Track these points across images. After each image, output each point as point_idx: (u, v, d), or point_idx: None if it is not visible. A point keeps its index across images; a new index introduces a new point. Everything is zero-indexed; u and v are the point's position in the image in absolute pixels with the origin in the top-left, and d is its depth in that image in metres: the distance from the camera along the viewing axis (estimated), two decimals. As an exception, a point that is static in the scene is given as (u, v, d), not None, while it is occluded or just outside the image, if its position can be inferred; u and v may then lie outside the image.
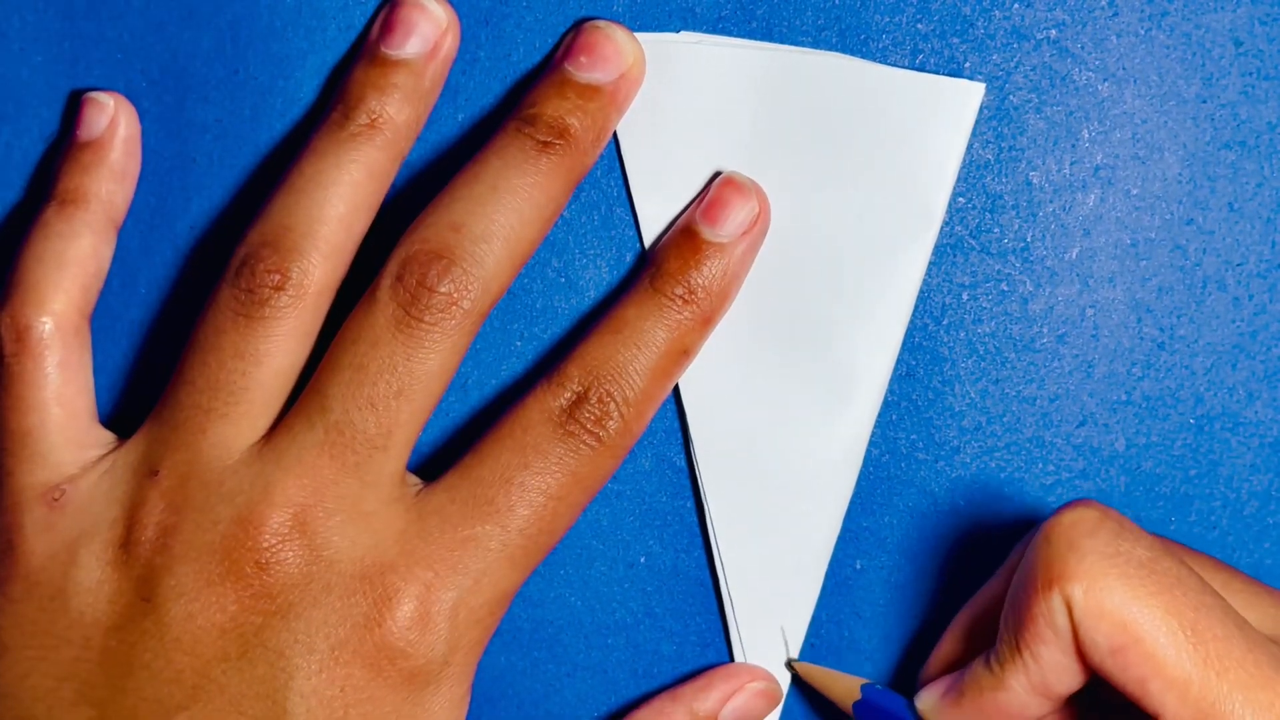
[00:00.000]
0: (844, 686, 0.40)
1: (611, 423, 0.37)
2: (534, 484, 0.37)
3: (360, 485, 0.37)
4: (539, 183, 0.38)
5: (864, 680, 0.39)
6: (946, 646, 0.38)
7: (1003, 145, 0.40)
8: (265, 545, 0.36)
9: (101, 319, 0.42)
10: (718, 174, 0.40)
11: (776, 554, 0.41)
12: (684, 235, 0.39)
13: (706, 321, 0.39)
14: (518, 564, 0.37)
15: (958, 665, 0.38)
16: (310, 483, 0.37)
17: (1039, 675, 0.34)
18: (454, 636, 0.37)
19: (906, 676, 0.41)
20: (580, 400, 0.37)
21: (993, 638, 0.35)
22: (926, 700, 0.37)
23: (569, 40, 0.40)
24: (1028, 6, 0.39)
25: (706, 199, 0.39)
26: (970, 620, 0.38)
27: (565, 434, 0.37)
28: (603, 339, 0.38)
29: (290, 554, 0.36)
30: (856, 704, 0.39)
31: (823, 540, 0.41)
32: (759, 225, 0.39)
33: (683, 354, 0.38)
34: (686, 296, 0.38)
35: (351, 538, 0.37)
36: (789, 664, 0.41)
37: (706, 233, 0.39)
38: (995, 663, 0.34)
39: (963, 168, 0.40)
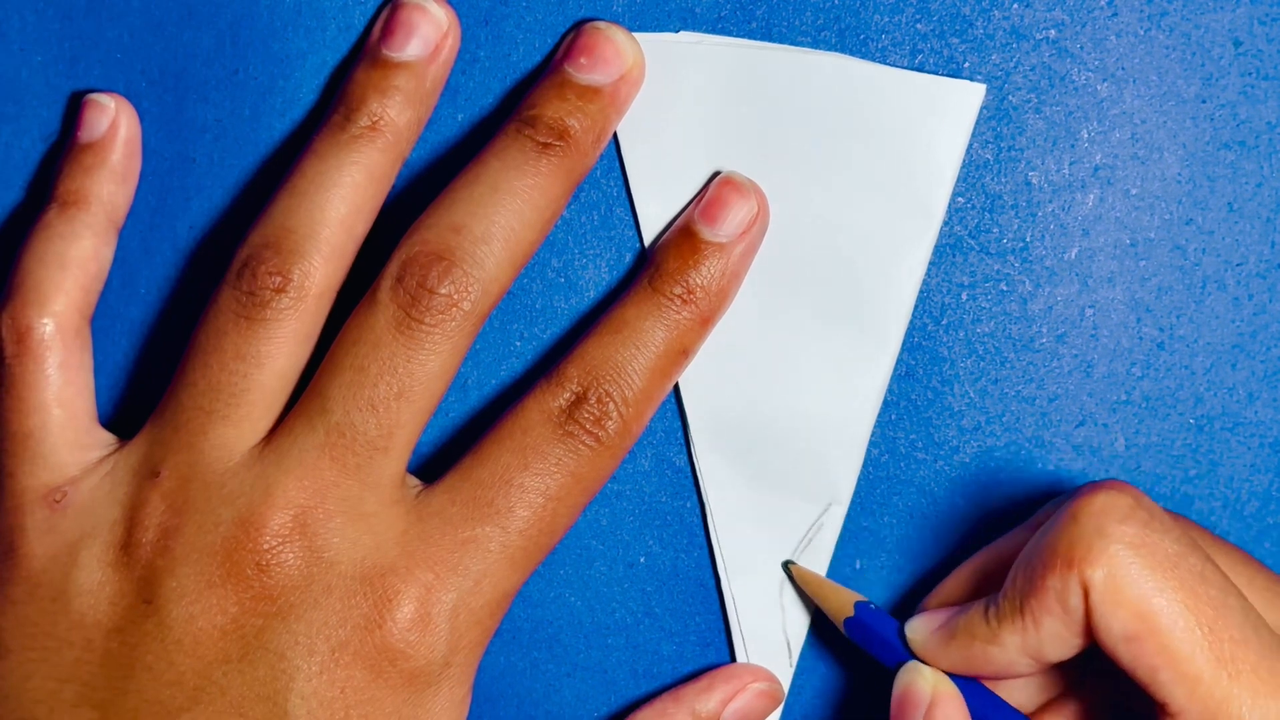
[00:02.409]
0: (839, 600, 0.40)
1: (610, 423, 0.37)
2: (533, 485, 0.37)
3: (361, 487, 0.37)
4: (539, 184, 0.38)
5: (860, 597, 0.39)
6: (951, 585, 0.39)
7: (1002, 145, 0.40)
8: (266, 547, 0.36)
9: (101, 319, 0.42)
10: (717, 173, 0.40)
11: (778, 554, 0.41)
12: (683, 235, 0.39)
13: (706, 321, 0.39)
14: (518, 565, 0.37)
15: (958, 604, 0.38)
16: (311, 484, 0.37)
17: (1035, 641, 0.34)
18: (454, 638, 0.37)
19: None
20: (579, 400, 0.37)
21: (998, 586, 0.36)
22: (918, 630, 0.37)
23: (569, 41, 0.40)
24: (1027, 6, 0.39)
25: (705, 199, 0.39)
26: (982, 565, 0.38)
27: (564, 434, 0.37)
28: (602, 339, 0.38)
29: (291, 556, 0.36)
30: (848, 620, 0.39)
31: (823, 540, 0.41)
32: (758, 225, 0.39)
33: (682, 354, 0.39)
34: (685, 296, 0.38)
35: (352, 539, 0.37)
36: (786, 565, 0.41)
37: (705, 232, 0.39)
38: (994, 617, 0.35)
39: (962, 168, 0.40)
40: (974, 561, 0.39)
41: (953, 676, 0.37)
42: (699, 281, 0.38)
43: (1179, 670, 0.32)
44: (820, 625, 0.41)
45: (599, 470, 0.38)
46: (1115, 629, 0.33)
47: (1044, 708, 0.38)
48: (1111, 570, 0.33)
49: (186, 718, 0.36)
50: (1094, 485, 0.34)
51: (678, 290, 0.38)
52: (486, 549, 0.37)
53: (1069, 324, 0.40)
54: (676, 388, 0.41)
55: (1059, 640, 0.34)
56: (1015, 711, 0.36)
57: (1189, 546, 0.33)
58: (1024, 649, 0.34)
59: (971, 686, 0.37)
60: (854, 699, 0.42)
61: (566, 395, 0.37)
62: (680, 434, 0.42)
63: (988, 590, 0.37)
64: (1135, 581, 0.32)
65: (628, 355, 0.38)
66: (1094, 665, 0.38)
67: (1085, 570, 0.33)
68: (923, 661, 0.37)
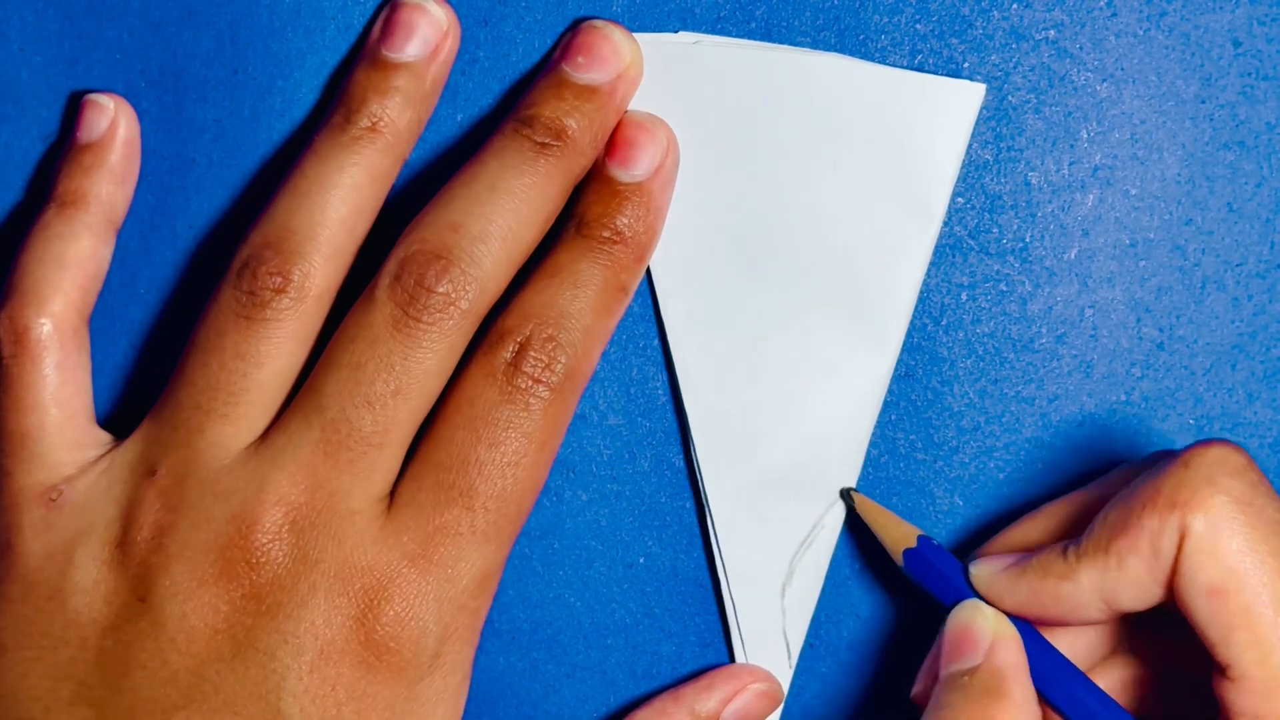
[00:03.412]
0: (899, 532, 0.39)
1: (559, 365, 0.37)
2: (489, 458, 0.37)
3: (353, 482, 0.37)
4: (536, 184, 0.38)
5: (920, 531, 0.39)
6: (1019, 531, 0.38)
7: (1002, 145, 0.40)
8: (257, 544, 0.36)
9: (101, 319, 0.42)
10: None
11: (777, 554, 0.41)
12: (601, 182, 0.39)
13: (640, 258, 0.39)
14: (492, 541, 0.37)
15: (1023, 550, 0.37)
16: (304, 480, 0.37)
17: (1113, 582, 0.34)
18: (441, 627, 0.37)
19: (907, 666, 0.41)
20: (522, 350, 0.37)
21: (1065, 538, 0.35)
22: (983, 568, 0.37)
23: (566, 40, 0.40)
24: (1027, 7, 0.39)
25: (614, 141, 0.39)
26: (1056, 516, 0.38)
27: (512, 391, 0.37)
28: (537, 285, 0.38)
29: (280, 553, 0.36)
30: (908, 551, 0.38)
31: (823, 540, 0.41)
32: (670, 158, 0.39)
33: (620, 290, 0.38)
34: (615, 238, 0.38)
35: (339, 536, 0.36)
36: (845, 493, 0.40)
37: (622, 175, 0.39)
38: (1073, 553, 0.35)
39: (962, 168, 0.40)
40: (1046, 510, 0.38)
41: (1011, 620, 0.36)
42: (625, 224, 0.38)
43: (1256, 633, 0.32)
44: (827, 613, 0.41)
45: (553, 422, 0.37)
46: (1201, 580, 0.32)
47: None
48: (1213, 520, 0.32)
49: (181, 716, 0.36)
50: (1209, 439, 0.34)
51: (606, 234, 0.38)
52: (457, 533, 0.37)
53: (1069, 324, 0.40)
54: (677, 387, 0.41)
55: (1137, 585, 0.34)
56: (1068, 661, 0.36)
57: None
58: (1099, 590, 0.34)
59: (1027, 633, 0.36)
60: (854, 699, 0.42)
61: (509, 349, 0.37)
62: (680, 434, 0.41)
63: (1058, 538, 0.37)
64: (1234, 536, 0.32)
65: (567, 296, 0.38)
66: (1133, 644, 0.38)
67: (1187, 515, 0.33)
68: (984, 600, 0.37)
